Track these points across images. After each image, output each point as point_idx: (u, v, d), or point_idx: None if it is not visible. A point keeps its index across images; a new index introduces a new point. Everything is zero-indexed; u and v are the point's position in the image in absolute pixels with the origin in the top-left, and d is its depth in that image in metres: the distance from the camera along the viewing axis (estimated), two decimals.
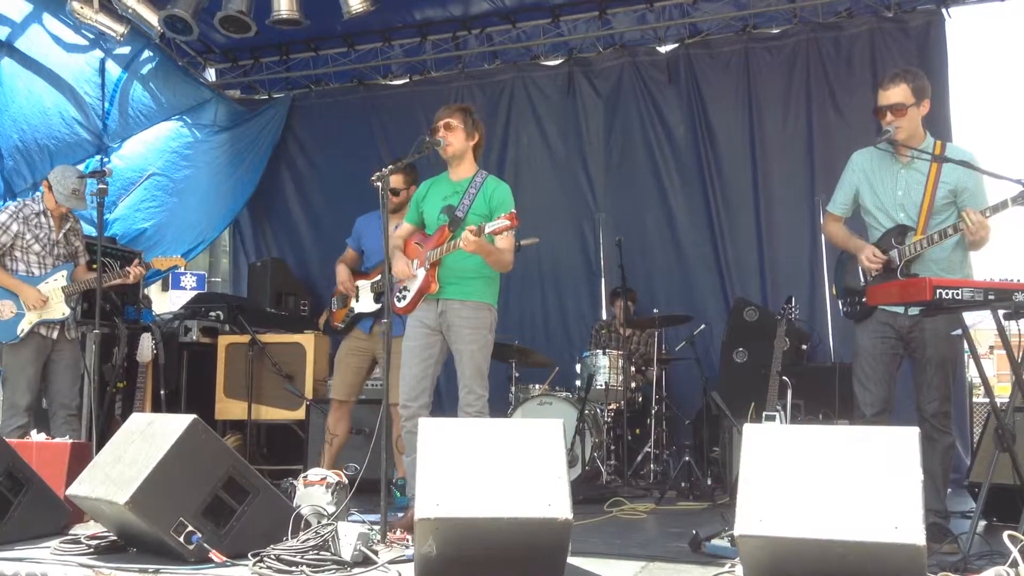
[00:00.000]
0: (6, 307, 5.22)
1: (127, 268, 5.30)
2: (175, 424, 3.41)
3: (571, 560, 3.20)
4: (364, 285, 5.38)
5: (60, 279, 5.30)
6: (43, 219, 5.35)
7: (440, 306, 4.33)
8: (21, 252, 5.29)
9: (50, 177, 5.35)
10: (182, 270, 10.27)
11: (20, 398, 5.17)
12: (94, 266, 5.38)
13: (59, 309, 5.27)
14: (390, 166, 4.06)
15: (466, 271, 4.32)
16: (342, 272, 5.47)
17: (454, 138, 4.37)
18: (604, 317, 7.62)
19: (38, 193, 5.46)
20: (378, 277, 5.29)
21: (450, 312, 4.31)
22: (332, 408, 5.47)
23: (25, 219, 5.30)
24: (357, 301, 5.40)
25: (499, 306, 4.48)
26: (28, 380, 5.19)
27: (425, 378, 4.32)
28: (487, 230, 4.07)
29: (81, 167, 6.93)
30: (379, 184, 3.94)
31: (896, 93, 3.99)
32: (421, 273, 4.34)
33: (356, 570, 3.14)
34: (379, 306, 5.24)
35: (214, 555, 3.23)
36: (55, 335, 5.30)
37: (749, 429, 2.96)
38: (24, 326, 5.21)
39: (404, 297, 4.42)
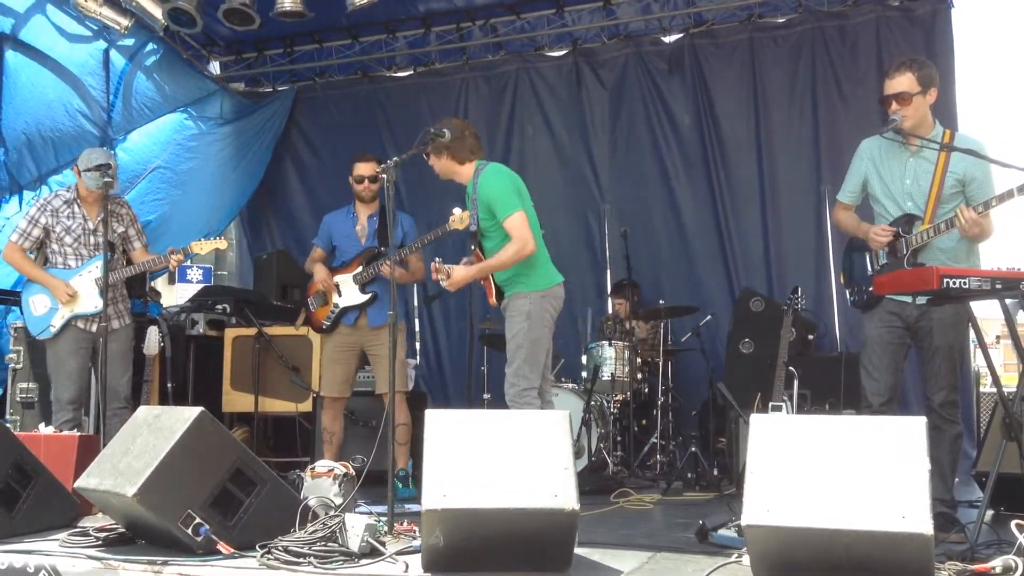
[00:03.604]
0: (40, 302, 5.09)
1: (164, 254, 5.15)
2: (183, 416, 3.42)
3: (578, 551, 3.20)
4: (344, 279, 5.34)
5: (95, 270, 5.06)
6: (75, 208, 5.14)
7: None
8: (58, 245, 5.12)
9: (78, 162, 5.16)
10: (188, 263, 10.26)
11: (62, 392, 5.06)
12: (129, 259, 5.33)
13: (91, 302, 5.06)
14: (395, 158, 4.05)
15: None
16: (320, 271, 5.44)
17: None
18: (610, 310, 7.60)
19: (72, 183, 5.25)
20: (359, 269, 5.29)
21: None
22: (325, 406, 5.42)
23: (55, 211, 5.11)
24: (340, 296, 5.36)
25: None
26: (68, 374, 5.06)
27: None
28: None
29: None
30: (384, 176, 3.96)
31: (901, 82, 3.97)
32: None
33: (363, 561, 3.15)
34: (367, 296, 5.26)
35: (222, 547, 3.24)
36: (93, 328, 5.05)
37: (756, 419, 2.96)
38: (56, 321, 5.07)
39: None
